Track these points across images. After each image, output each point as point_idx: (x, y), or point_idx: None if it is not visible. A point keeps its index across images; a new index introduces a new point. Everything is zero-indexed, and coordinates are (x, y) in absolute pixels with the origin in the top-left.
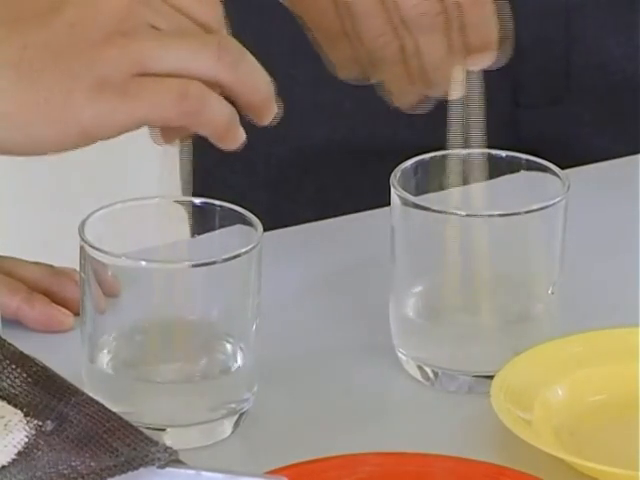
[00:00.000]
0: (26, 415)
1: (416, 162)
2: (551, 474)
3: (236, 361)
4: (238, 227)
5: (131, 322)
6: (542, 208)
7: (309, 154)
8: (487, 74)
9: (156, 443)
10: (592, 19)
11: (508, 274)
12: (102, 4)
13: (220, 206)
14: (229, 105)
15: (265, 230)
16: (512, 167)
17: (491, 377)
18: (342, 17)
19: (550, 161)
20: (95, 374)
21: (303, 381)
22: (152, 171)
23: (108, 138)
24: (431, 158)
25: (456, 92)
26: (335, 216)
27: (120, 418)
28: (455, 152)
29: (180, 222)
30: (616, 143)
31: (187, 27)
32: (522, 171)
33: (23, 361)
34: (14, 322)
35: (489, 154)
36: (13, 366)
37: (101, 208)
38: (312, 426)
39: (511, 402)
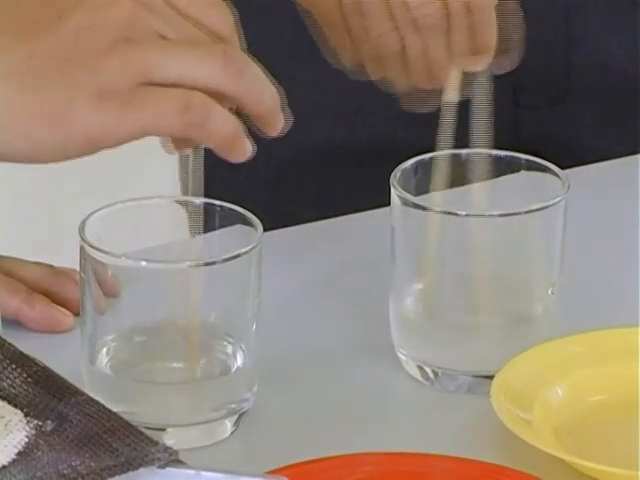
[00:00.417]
0: (26, 415)
1: (416, 162)
2: (551, 474)
3: (236, 361)
4: (238, 227)
5: (131, 322)
6: (542, 208)
7: (309, 154)
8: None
9: (156, 443)
10: (592, 20)
11: (508, 274)
12: (108, 12)
13: (220, 206)
14: (234, 117)
15: (265, 230)
16: (512, 167)
17: (491, 377)
18: (347, 14)
19: (550, 161)
20: (95, 374)
21: (303, 381)
22: (152, 171)
23: (111, 147)
24: (431, 158)
25: (450, 93)
26: (335, 216)
27: (120, 418)
28: (455, 152)
29: (180, 222)
30: (616, 143)
31: (195, 36)
32: (522, 171)
33: (23, 361)
34: (14, 322)
35: (489, 154)
36: (13, 366)
37: (101, 208)
38: (312, 426)
39: (511, 402)
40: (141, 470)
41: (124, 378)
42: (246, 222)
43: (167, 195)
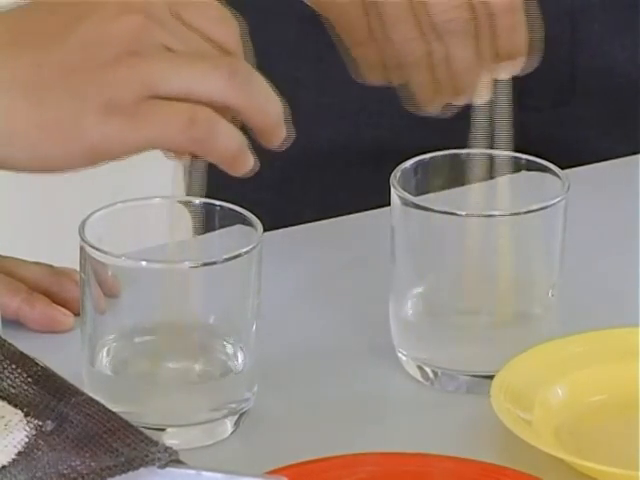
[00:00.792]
0: (26, 415)
1: (416, 162)
2: (551, 474)
3: (236, 361)
4: (238, 227)
5: (131, 322)
6: (542, 208)
7: (313, 156)
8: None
9: (156, 443)
10: (597, 22)
11: (508, 274)
12: (116, 24)
13: (220, 206)
14: (238, 132)
15: (269, 231)
16: (512, 167)
17: (491, 377)
18: (370, 20)
19: (555, 163)
20: (95, 374)
21: (303, 381)
22: (153, 171)
23: (115, 159)
24: (431, 158)
25: (482, 97)
26: (337, 217)
27: (120, 418)
28: (456, 152)
29: (180, 222)
30: (621, 145)
31: (201, 48)
32: (522, 171)
33: (23, 361)
34: (14, 322)
35: (489, 154)
36: (13, 366)
37: (101, 208)
38: (312, 426)
39: (511, 402)
40: (141, 470)
41: (124, 378)
42: (246, 222)
43: (167, 195)
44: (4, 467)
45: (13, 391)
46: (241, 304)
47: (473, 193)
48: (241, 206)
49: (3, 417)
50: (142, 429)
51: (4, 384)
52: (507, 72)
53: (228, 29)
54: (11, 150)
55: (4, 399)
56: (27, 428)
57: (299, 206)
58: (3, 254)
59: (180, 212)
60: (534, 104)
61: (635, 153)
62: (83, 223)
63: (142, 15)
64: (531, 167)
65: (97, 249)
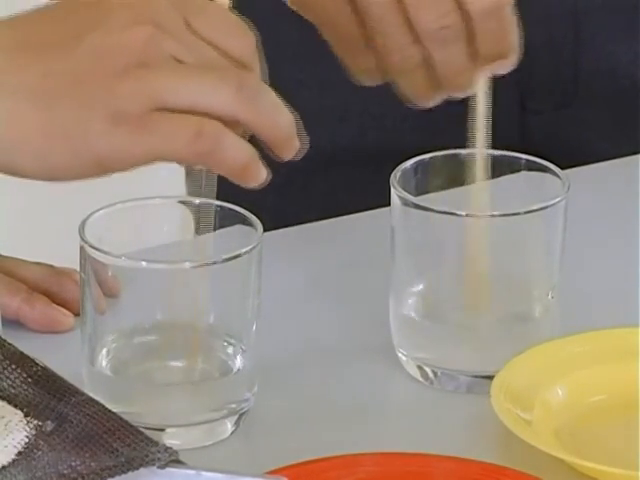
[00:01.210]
0: (26, 415)
1: (416, 162)
2: (551, 474)
3: (236, 361)
4: (238, 227)
5: (131, 323)
6: (542, 208)
7: (316, 158)
8: (495, 79)
9: (156, 443)
10: (601, 24)
11: (508, 274)
12: (125, 34)
13: (220, 206)
14: (247, 145)
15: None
16: (512, 167)
17: (491, 377)
18: (361, 30)
19: (558, 165)
20: (95, 374)
21: (303, 381)
22: (153, 171)
23: (122, 171)
24: (431, 158)
25: (479, 95)
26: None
27: (120, 418)
28: (456, 152)
29: (180, 222)
30: (624, 147)
31: (212, 60)
32: (522, 171)
33: (23, 361)
34: (14, 322)
35: (490, 154)
36: (13, 366)
37: (101, 208)
38: (312, 426)
39: (511, 402)
40: (141, 470)
41: (124, 378)
42: (246, 222)
43: (167, 195)
44: (4, 467)
45: (13, 391)
46: (241, 304)
47: (473, 193)
48: (243, 208)
49: (3, 417)
50: (142, 429)
51: (4, 384)
52: (499, 72)
53: (244, 41)
54: (17, 156)
55: (4, 399)
56: (27, 428)
57: (303, 208)
58: (3, 254)
59: (180, 212)
60: (537, 106)
61: (636, 153)
62: (83, 223)
63: (152, 25)
64: (531, 167)
65: (97, 249)
